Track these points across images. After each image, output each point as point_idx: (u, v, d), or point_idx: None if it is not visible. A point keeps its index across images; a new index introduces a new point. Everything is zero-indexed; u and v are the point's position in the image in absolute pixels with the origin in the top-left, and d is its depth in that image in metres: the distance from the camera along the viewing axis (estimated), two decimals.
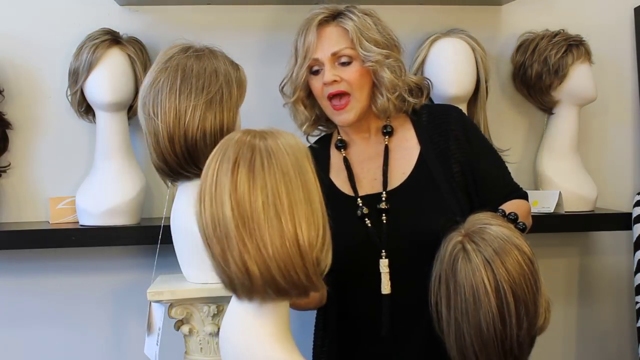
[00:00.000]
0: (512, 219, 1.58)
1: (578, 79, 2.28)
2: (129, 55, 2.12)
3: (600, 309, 2.47)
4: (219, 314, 1.65)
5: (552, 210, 2.21)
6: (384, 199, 1.77)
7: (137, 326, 2.11)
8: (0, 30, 2.18)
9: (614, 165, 2.46)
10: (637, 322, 2.29)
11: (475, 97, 2.26)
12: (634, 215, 2.28)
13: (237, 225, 1.21)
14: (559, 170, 2.32)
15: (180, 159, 1.58)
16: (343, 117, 1.78)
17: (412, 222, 1.73)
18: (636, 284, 2.27)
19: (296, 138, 1.31)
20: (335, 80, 1.76)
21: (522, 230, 1.56)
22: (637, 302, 2.27)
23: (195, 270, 1.66)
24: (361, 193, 1.79)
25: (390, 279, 1.72)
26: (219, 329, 1.58)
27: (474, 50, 2.23)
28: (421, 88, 1.88)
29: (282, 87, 1.89)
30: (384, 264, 1.72)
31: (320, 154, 1.80)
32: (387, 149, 1.83)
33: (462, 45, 2.22)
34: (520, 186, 1.88)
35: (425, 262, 1.52)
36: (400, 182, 1.78)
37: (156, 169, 1.65)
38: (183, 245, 1.67)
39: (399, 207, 1.75)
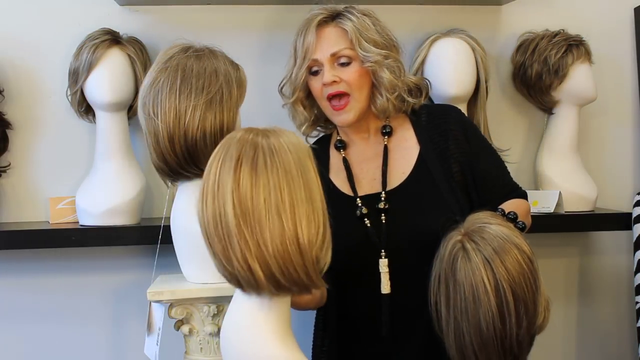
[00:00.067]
0: (512, 218, 1.58)
1: (578, 79, 2.28)
2: (129, 55, 2.12)
3: (600, 309, 2.47)
4: (219, 314, 1.65)
5: (552, 210, 2.21)
6: (383, 198, 1.77)
7: (137, 326, 2.11)
8: (0, 30, 2.18)
9: (614, 165, 2.46)
10: (637, 322, 2.29)
11: (475, 97, 2.26)
12: (634, 215, 2.28)
13: (239, 223, 1.21)
14: (559, 170, 2.32)
15: (180, 159, 1.58)
16: (342, 117, 1.79)
17: (412, 221, 1.73)
18: (636, 284, 2.27)
19: (298, 137, 1.31)
20: (334, 81, 1.76)
21: (522, 229, 1.56)
22: (637, 302, 2.26)
23: (195, 270, 1.66)
24: (360, 193, 1.79)
25: (390, 278, 1.72)
26: (219, 329, 1.59)
27: (474, 50, 2.23)
28: (420, 88, 1.88)
29: (281, 88, 1.89)
30: (383, 263, 1.72)
31: (319, 154, 1.80)
32: (386, 149, 1.83)
33: (462, 45, 2.22)
34: (520, 186, 1.88)
35: (424, 262, 1.52)
36: (399, 182, 1.79)
37: (156, 169, 1.65)
38: (183, 245, 1.67)
39: (399, 207, 1.75)
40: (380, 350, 1.74)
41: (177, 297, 1.64)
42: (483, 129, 2.23)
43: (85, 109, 2.15)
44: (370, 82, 1.80)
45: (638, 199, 2.31)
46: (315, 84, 1.80)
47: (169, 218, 1.71)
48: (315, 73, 1.80)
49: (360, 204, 1.77)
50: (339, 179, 1.83)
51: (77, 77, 2.09)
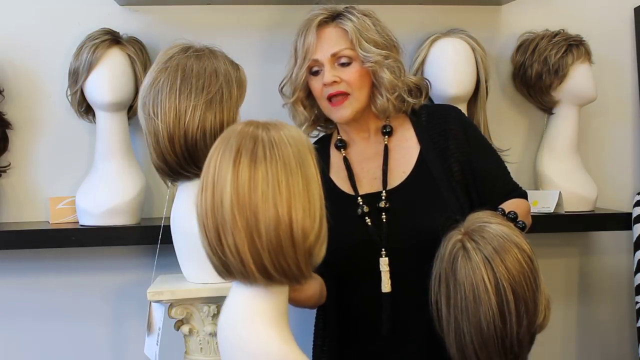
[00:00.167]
0: (512, 217, 1.58)
1: (578, 79, 2.28)
2: (129, 55, 2.12)
3: (600, 309, 2.47)
4: (218, 314, 1.64)
5: (552, 210, 2.21)
6: (383, 197, 1.77)
7: (137, 326, 2.11)
8: (0, 30, 2.18)
9: (614, 165, 2.46)
10: (637, 322, 2.29)
11: (475, 97, 2.26)
12: (634, 215, 2.28)
13: (234, 213, 1.21)
14: (559, 170, 2.32)
15: (180, 159, 1.58)
16: (340, 113, 1.79)
17: (412, 221, 1.73)
18: (636, 284, 2.27)
19: (299, 131, 1.32)
20: (335, 81, 1.76)
21: (522, 228, 1.56)
22: (637, 302, 2.26)
23: (195, 270, 1.66)
24: (361, 192, 1.79)
25: (391, 277, 1.72)
26: None
27: (474, 50, 2.23)
28: (420, 88, 1.88)
29: (282, 88, 1.89)
30: (384, 262, 1.72)
31: (320, 153, 1.80)
32: (386, 149, 1.83)
33: (462, 45, 2.22)
34: (520, 186, 1.88)
35: (425, 261, 1.53)
36: (400, 181, 1.79)
37: (156, 169, 1.65)
38: (183, 245, 1.67)
39: (399, 206, 1.75)
40: (381, 349, 1.74)
41: (177, 297, 1.64)
42: (483, 129, 2.23)
43: (85, 109, 2.15)
44: (371, 82, 1.80)
45: (638, 199, 2.31)
46: (316, 84, 1.80)
47: (169, 218, 1.71)
48: (316, 73, 1.80)
49: (361, 203, 1.77)
50: (339, 178, 1.83)
51: (77, 77, 2.09)
